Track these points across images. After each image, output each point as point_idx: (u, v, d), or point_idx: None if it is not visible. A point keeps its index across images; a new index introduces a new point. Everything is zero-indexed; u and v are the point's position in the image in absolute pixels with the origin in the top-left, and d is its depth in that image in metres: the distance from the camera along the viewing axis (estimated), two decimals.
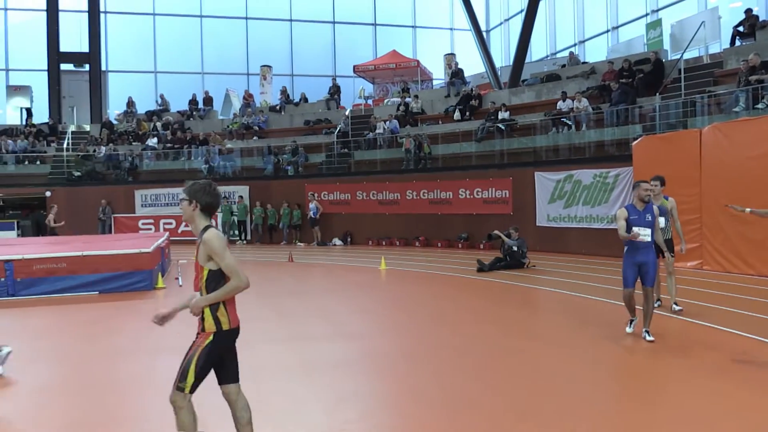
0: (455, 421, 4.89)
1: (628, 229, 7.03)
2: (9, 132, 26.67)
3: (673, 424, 4.73)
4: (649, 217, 7.18)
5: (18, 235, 22.99)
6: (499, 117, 20.04)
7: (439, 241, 19.78)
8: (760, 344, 6.97)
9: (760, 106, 13.63)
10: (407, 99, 24.38)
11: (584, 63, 23.20)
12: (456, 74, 24.73)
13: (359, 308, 9.94)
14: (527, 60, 24.16)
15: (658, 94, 16.49)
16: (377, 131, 22.93)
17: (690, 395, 5.40)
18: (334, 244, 21.33)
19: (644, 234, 7.07)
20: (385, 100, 27.36)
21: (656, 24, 21.68)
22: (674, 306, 8.69)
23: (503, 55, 33.39)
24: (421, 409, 5.22)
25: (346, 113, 25.68)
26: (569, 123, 18.15)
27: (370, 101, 28.36)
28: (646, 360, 6.57)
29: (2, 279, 11.50)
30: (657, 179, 8.59)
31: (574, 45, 28.95)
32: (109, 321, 9.42)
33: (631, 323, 7.57)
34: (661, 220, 8.04)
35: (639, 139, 14.71)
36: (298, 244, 21.92)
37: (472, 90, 22.72)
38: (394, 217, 20.73)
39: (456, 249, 18.95)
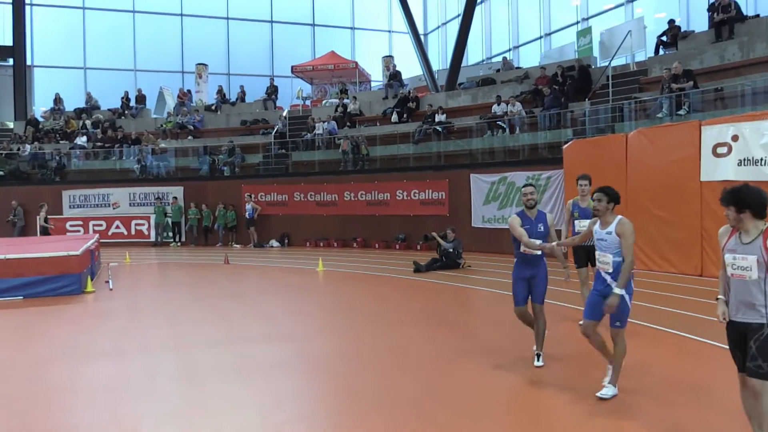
0: (392, 421, 4.96)
1: (516, 241, 6.27)
2: None
3: None
4: (542, 228, 6.27)
5: None
6: (436, 119, 20.33)
7: (376, 242, 19.88)
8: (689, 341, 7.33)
9: (681, 112, 14.34)
10: (345, 100, 24.40)
11: (518, 68, 23.79)
12: (394, 76, 24.93)
13: (296, 310, 9.90)
14: (464, 64, 24.61)
15: (587, 99, 17.09)
16: (315, 132, 22.85)
17: None
18: (271, 246, 21.12)
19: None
20: (324, 101, 27.30)
21: (586, 32, 22.46)
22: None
23: (440, 59, 33.85)
24: (358, 409, 5.27)
25: (284, 114, 25.48)
26: (504, 126, 18.59)
27: (308, 102, 28.22)
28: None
29: None
30: (585, 178, 8.19)
31: (509, 50, 29.63)
32: (35, 327, 9.05)
33: (538, 357, 6.38)
34: (586, 224, 6.97)
35: (569, 143, 15.20)
36: (234, 245, 21.59)
37: (409, 92, 22.95)
38: (332, 219, 20.72)
39: (393, 250, 19.09)
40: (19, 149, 24.45)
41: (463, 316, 9.63)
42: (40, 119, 27.33)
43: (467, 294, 11.37)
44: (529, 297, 6.35)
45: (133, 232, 22.57)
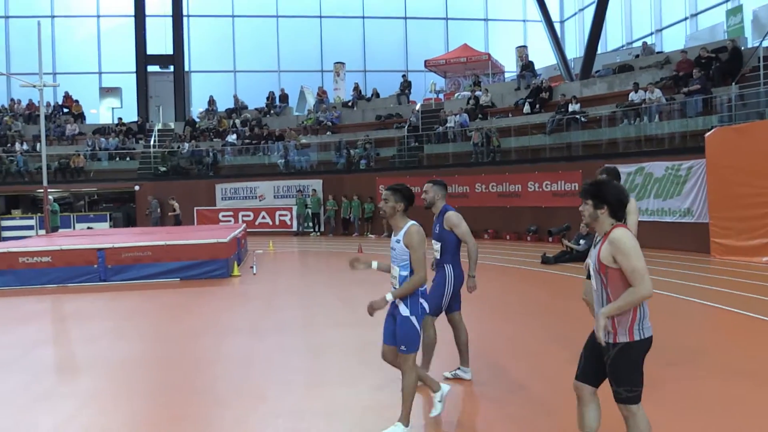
0: (499, 403, 5.18)
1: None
2: (102, 130, 28.51)
3: None
4: (437, 228, 5.65)
5: (110, 227, 24.64)
6: (570, 109, 19.86)
7: (507, 233, 19.83)
8: None
9: None
10: (477, 92, 24.45)
11: (659, 53, 22.58)
12: (527, 67, 24.59)
13: None
14: (601, 50, 23.74)
15: (735, 83, 15.95)
16: (447, 125, 23.14)
17: None
18: None
19: (434, 249, 5.70)
20: (456, 94, 27.48)
21: (737, 10, 20.84)
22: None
23: (577, 46, 32.79)
24: (469, 391, 5.54)
25: (417, 107, 26.00)
26: (641, 115, 17.80)
27: (440, 95, 28.55)
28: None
29: (95, 266, 12.56)
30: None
31: (651, 34, 28.12)
32: (188, 305, 10.19)
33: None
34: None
35: (712, 131, 14.32)
36: (370, 235, 22.46)
37: (542, 82, 22.56)
38: (463, 210, 20.38)
39: (524, 242, 18.95)
40: (179, 147, 26.94)
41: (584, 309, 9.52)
42: (197, 119, 29.92)
43: None
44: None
45: (277, 222, 24.15)
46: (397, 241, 4.43)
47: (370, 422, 4.80)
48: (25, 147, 26.46)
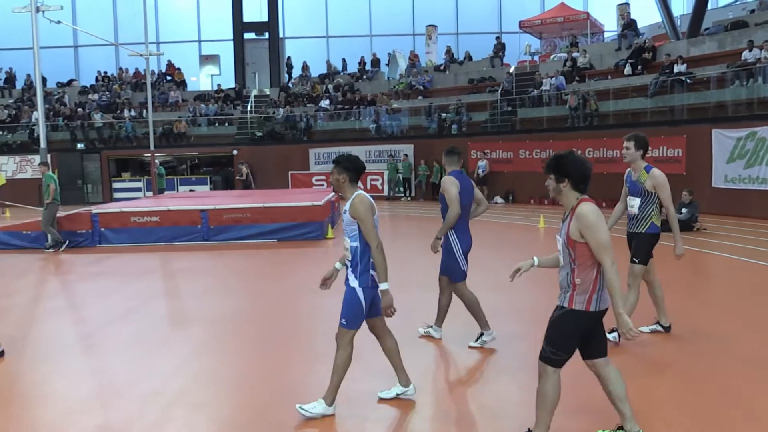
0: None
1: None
2: (202, 97, 29.65)
3: None
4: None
5: (210, 189, 25.79)
6: (675, 70, 18.80)
7: (603, 200, 19.14)
8: None
9: None
10: (574, 54, 23.57)
11: None
12: (628, 25, 23.41)
13: (515, 263, 10.22)
14: (712, 6, 22.26)
15: None
16: (542, 88, 22.52)
17: None
18: (496, 202, 21.49)
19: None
20: (552, 56, 26.59)
21: None
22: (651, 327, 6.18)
23: (685, 2, 30.79)
24: None
25: (510, 70, 25.41)
26: (755, 75, 16.62)
27: (535, 57, 27.72)
28: None
29: (199, 226, 13.24)
30: (630, 139, 5.78)
31: None
32: (285, 264, 10.60)
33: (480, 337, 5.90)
34: (635, 202, 5.76)
35: None
36: None
37: (645, 42, 21.43)
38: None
39: None
40: (273, 113, 27.66)
41: (689, 281, 9.17)
42: (291, 85, 30.53)
43: (697, 259, 10.70)
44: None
45: (368, 187, 24.45)
46: (344, 212, 4.32)
47: (452, 376, 4.89)
48: (132, 113, 27.98)
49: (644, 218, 5.74)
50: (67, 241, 12.82)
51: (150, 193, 23.45)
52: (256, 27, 32.55)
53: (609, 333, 5.66)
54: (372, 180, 24.43)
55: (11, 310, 7.83)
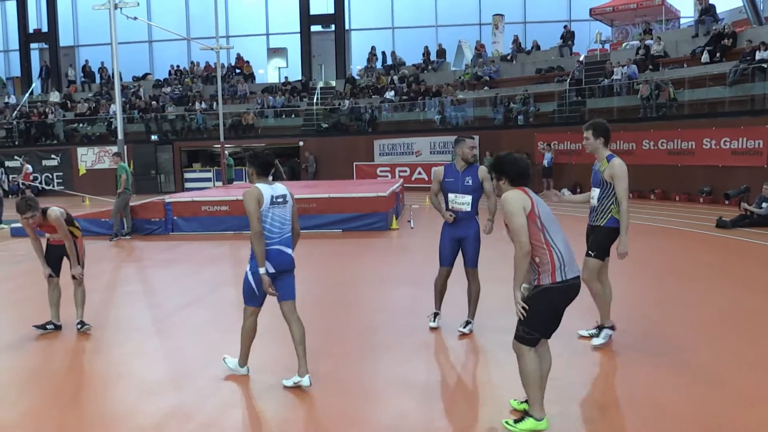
0: (650, 362, 4.97)
1: (445, 195, 5.90)
2: (269, 89, 30.18)
3: None
4: (470, 181, 5.80)
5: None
6: (757, 57, 17.88)
7: (677, 194, 18.52)
8: None
9: None
10: (648, 41, 22.74)
11: None
12: (706, 11, 22.38)
13: (577, 255, 10.00)
14: None
15: None
16: (613, 77, 21.84)
17: None
18: (563, 195, 21.03)
19: (461, 202, 5.83)
20: (624, 44, 25.74)
21: None
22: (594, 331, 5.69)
23: None
24: (620, 347, 5.37)
25: (580, 59, 24.76)
26: None
27: (606, 46, 26.88)
28: None
29: None
30: (590, 127, 5.64)
31: None
32: (350, 255, 10.70)
33: (435, 317, 6.17)
34: (595, 193, 5.60)
35: None
36: None
37: (724, 28, 20.46)
38: (628, 168, 19.66)
39: (696, 203, 17.59)
40: (339, 104, 27.90)
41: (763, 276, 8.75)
42: (356, 77, 30.70)
43: None
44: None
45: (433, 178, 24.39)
46: None
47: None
48: (203, 106, 28.78)
49: (603, 211, 5.48)
50: (125, 233, 13.30)
51: (219, 183, 24.10)
52: (323, 19, 32.82)
53: (594, 335, 5.56)
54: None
55: (90, 294, 8.21)
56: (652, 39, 22.88)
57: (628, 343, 5.56)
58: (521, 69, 26.64)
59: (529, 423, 3.87)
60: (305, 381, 4.73)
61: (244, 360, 5.08)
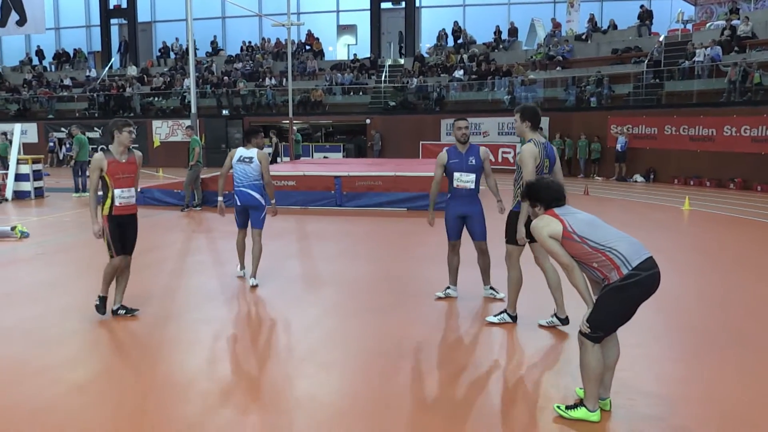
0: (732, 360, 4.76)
1: (450, 176, 6.25)
2: (338, 66, 30.29)
3: None
4: (473, 161, 6.21)
5: (343, 156, 26.44)
6: None
7: (759, 184, 17.60)
8: None
9: None
10: (734, 21, 21.55)
11: None
12: None
13: (653, 247, 9.63)
14: None
15: None
16: (695, 59, 20.84)
17: None
18: (635, 181, 20.36)
19: (466, 180, 6.21)
20: (708, 24, 24.49)
21: None
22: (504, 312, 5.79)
23: None
24: (688, 339, 5.17)
25: (660, 39, 23.72)
26: None
27: (689, 26, 25.63)
28: None
29: (332, 192, 13.63)
30: (518, 111, 5.52)
31: None
32: (414, 234, 10.66)
33: (446, 290, 6.55)
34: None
35: None
36: (596, 177, 21.42)
37: None
38: (707, 155, 18.92)
39: None
40: (407, 82, 27.73)
41: None
42: (425, 55, 30.40)
43: None
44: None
45: (500, 160, 23.97)
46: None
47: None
48: (273, 82, 29.18)
49: (515, 196, 5.45)
50: (196, 204, 13.66)
51: (287, 158, 24.46)
52: None
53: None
54: (504, 153, 23.90)
55: (163, 262, 8.51)
56: (739, 19, 21.67)
57: (712, 340, 5.34)
58: (596, 49, 25.76)
59: (581, 412, 3.81)
60: (252, 281, 6.97)
61: (242, 265, 7.46)
